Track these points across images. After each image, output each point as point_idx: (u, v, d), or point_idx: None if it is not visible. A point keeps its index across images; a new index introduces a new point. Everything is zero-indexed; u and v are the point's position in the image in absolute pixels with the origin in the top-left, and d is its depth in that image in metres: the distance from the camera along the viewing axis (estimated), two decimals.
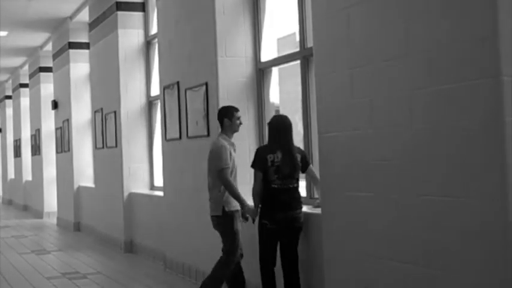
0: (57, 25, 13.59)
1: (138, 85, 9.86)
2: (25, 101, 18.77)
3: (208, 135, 6.86)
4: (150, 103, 9.86)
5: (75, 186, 13.16)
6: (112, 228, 10.39)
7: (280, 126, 5.33)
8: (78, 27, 12.97)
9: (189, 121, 7.35)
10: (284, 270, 5.37)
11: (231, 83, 6.65)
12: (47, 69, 15.95)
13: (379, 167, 4.20)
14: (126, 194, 9.79)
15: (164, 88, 8.10)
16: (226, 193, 5.70)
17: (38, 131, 16.49)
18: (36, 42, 15.58)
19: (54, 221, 15.15)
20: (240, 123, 5.84)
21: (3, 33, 14.01)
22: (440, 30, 3.68)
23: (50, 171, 15.78)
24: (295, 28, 6.07)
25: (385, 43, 4.13)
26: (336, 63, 4.62)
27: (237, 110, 5.84)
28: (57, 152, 14.63)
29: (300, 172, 5.35)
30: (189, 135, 7.38)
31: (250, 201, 5.57)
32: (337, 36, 4.60)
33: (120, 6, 9.85)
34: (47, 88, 15.92)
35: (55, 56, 14.41)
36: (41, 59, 16.29)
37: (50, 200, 15.98)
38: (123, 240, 9.88)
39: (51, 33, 14.42)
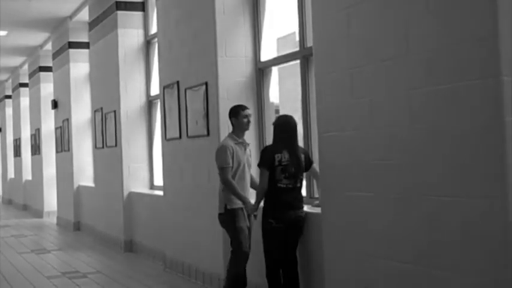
0: (57, 25, 13.58)
1: (138, 85, 9.86)
2: (25, 101, 18.77)
3: (208, 134, 6.86)
4: (150, 103, 9.86)
5: (75, 186, 13.16)
6: (112, 227, 10.40)
7: (286, 126, 5.35)
8: (78, 27, 12.96)
9: (189, 121, 7.35)
10: (283, 269, 5.38)
11: (230, 83, 6.65)
12: (47, 69, 15.94)
13: (378, 166, 4.20)
14: (126, 193, 9.79)
15: (164, 88, 8.10)
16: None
17: (38, 130, 16.48)
18: (36, 41, 15.57)
19: (54, 220, 15.14)
20: (248, 122, 5.85)
21: (3, 33, 14.00)
22: (439, 30, 3.68)
23: (49, 170, 15.78)
24: (295, 28, 6.07)
25: (385, 43, 4.13)
26: (335, 62, 4.62)
27: (244, 108, 5.88)
28: (57, 152, 14.62)
29: (304, 171, 5.38)
30: (189, 134, 7.38)
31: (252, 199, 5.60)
32: (337, 36, 4.60)
33: (120, 6, 9.85)
34: (47, 88, 15.92)
35: (55, 55, 14.41)
36: (41, 58, 16.29)
37: (50, 200, 15.98)
38: (123, 239, 9.88)
39: (51, 33, 14.42)
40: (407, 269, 3.97)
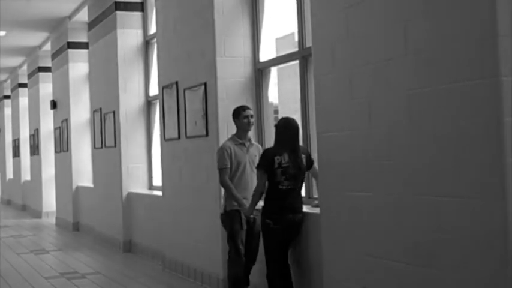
0: (56, 25, 13.58)
1: (137, 85, 9.86)
2: (24, 101, 18.75)
3: (207, 135, 6.86)
4: (149, 103, 9.86)
5: (74, 186, 13.15)
6: (111, 228, 10.39)
7: (287, 128, 5.35)
8: (77, 27, 12.95)
9: (187, 121, 7.35)
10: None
11: (229, 83, 6.65)
12: (46, 69, 15.93)
13: (377, 166, 4.20)
14: (124, 193, 9.78)
15: (163, 88, 8.10)
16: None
17: (37, 130, 16.47)
18: (35, 42, 15.56)
19: (53, 220, 15.13)
20: (249, 122, 5.88)
21: (2, 33, 13.99)
22: (439, 30, 3.68)
23: (48, 171, 15.76)
24: (294, 28, 6.07)
25: (384, 43, 4.13)
26: (334, 63, 4.62)
27: (245, 109, 5.94)
28: (55, 152, 14.62)
29: (305, 172, 5.40)
30: (187, 135, 7.37)
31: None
32: (336, 36, 4.60)
33: (119, 6, 9.85)
34: (46, 88, 15.91)
35: (54, 55, 14.40)
36: (40, 58, 16.28)
37: (49, 200, 15.96)
38: (121, 240, 9.87)
39: (50, 33, 14.41)
40: (406, 269, 3.97)
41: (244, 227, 5.78)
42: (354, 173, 4.43)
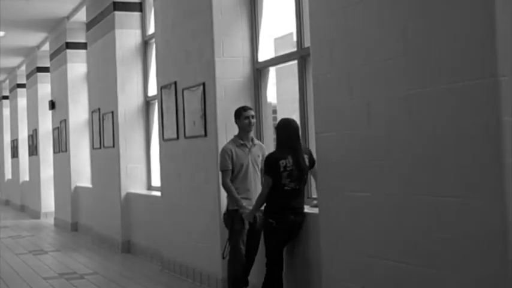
0: (55, 25, 13.57)
1: (135, 85, 9.85)
2: (22, 101, 18.73)
3: (205, 135, 6.85)
4: (147, 103, 9.85)
5: (73, 187, 13.14)
6: (109, 228, 10.38)
7: (287, 130, 5.36)
8: (76, 27, 12.95)
9: (186, 121, 7.34)
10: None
11: (228, 83, 6.65)
12: (44, 70, 15.91)
13: (376, 166, 4.20)
14: (123, 194, 9.77)
15: (161, 88, 8.09)
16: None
17: (35, 131, 16.46)
18: (33, 42, 15.55)
19: (52, 221, 15.12)
20: (250, 123, 5.90)
21: (1, 33, 13.98)
22: (437, 30, 3.68)
23: (47, 171, 15.74)
24: (293, 28, 6.07)
25: (383, 43, 4.12)
26: (333, 63, 4.62)
27: (246, 109, 5.97)
28: (54, 152, 14.60)
29: (307, 172, 5.41)
30: (186, 135, 7.37)
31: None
32: (335, 36, 4.60)
33: (117, 6, 9.84)
34: (44, 88, 15.90)
35: (52, 56, 14.39)
36: (38, 59, 16.27)
37: (47, 200, 15.93)
38: (120, 240, 9.86)
39: (48, 33, 14.40)
40: (406, 269, 3.97)
41: (246, 226, 5.80)
42: (353, 173, 4.43)
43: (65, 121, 13.36)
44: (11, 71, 19.90)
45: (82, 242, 11.42)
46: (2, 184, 23.25)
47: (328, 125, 4.69)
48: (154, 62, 8.70)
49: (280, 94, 7.29)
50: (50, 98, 14.73)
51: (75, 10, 12.32)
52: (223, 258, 6.00)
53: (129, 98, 9.80)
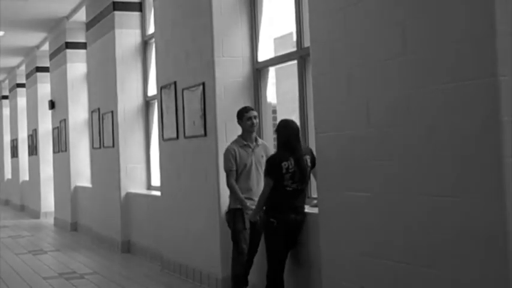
0: (54, 25, 13.57)
1: (135, 85, 9.85)
2: (22, 101, 18.73)
3: (205, 135, 6.85)
4: (147, 103, 9.85)
5: (72, 186, 13.14)
6: (109, 228, 10.38)
7: (288, 132, 5.35)
8: (75, 27, 12.95)
9: (186, 121, 7.35)
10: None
11: (228, 83, 6.65)
12: (44, 69, 15.91)
13: (376, 166, 4.20)
14: (123, 194, 9.78)
15: (161, 88, 8.10)
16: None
17: (35, 131, 16.46)
18: (33, 42, 15.54)
19: (51, 221, 15.12)
20: (252, 124, 5.90)
21: (0, 33, 13.98)
22: (437, 30, 3.68)
23: (47, 171, 15.74)
24: (292, 28, 6.07)
25: (382, 43, 4.13)
26: (332, 62, 4.62)
27: (248, 110, 5.99)
28: (54, 152, 14.60)
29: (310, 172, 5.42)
30: (186, 135, 7.37)
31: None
32: (334, 36, 4.60)
33: (117, 6, 9.84)
34: (44, 88, 15.90)
35: (52, 55, 14.39)
36: (38, 58, 16.27)
37: (47, 200, 15.93)
38: (120, 240, 9.86)
39: (48, 33, 14.40)
40: (405, 269, 3.97)
41: (247, 225, 5.81)
42: (353, 173, 4.43)
43: (64, 121, 13.36)
44: (11, 71, 19.90)
45: (82, 242, 11.42)
46: (1, 184, 23.24)
47: (328, 125, 4.69)
48: (154, 61, 8.70)
49: (280, 94, 7.29)
50: (49, 98, 14.73)
51: (75, 10, 12.32)
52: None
53: (128, 97, 9.80)
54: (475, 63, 3.44)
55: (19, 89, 19.09)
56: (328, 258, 4.76)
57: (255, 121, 5.96)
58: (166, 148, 8.05)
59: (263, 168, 5.89)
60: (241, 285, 5.92)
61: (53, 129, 14.53)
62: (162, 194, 8.26)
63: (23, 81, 18.37)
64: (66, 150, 13.31)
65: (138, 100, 9.86)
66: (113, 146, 9.96)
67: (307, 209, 5.44)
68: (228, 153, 5.96)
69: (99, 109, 10.72)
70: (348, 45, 4.46)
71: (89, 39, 11.38)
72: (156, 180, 9.39)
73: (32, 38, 15.12)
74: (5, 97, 21.70)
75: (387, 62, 4.07)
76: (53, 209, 15.24)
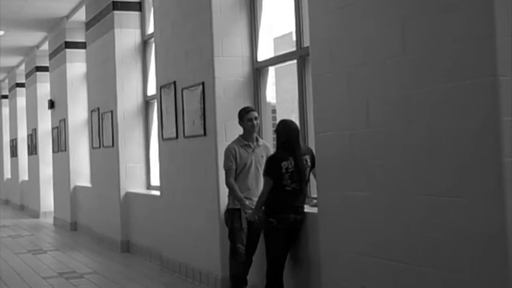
0: (54, 24, 13.57)
1: (134, 85, 9.86)
2: (21, 101, 18.73)
3: (204, 134, 6.85)
4: (146, 103, 9.86)
5: (72, 186, 13.14)
6: (109, 227, 10.38)
7: (288, 132, 5.36)
8: (75, 27, 12.95)
9: (185, 121, 7.35)
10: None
11: (227, 83, 6.65)
12: (44, 69, 15.91)
13: (375, 166, 4.20)
14: (122, 193, 9.78)
15: (161, 88, 8.10)
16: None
17: (35, 130, 16.46)
18: (32, 41, 15.55)
19: (51, 220, 15.12)
20: (253, 125, 5.91)
21: (0, 33, 13.98)
22: (437, 29, 3.69)
23: (46, 170, 15.74)
24: (292, 28, 6.07)
25: (382, 42, 4.13)
26: (332, 62, 4.62)
27: (248, 111, 5.97)
28: (53, 152, 14.60)
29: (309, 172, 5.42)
30: (185, 134, 7.37)
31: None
32: (334, 36, 4.60)
33: (116, 6, 9.84)
34: (44, 87, 15.90)
35: (51, 55, 14.39)
36: (38, 58, 16.26)
37: (47, 200, 15.94)
38: (119, 239, 9.86)
39: (47, 33, 14.40)
40: (404, 269, 3.97)
41: (244, 225, 5.81)
42: (352, 173, 4.44)
43: (64, 120, 13.36)
44: (10, 70, 19.90)
45: (81, 242, 11.42)
46: (1, 183, 23.24)
47: (327, 125, 4.70)
48: (154, 61, 8.70)
49: (279, 94, 7.31)
50: (49, 98, 14.73)
51: (75, 9, 12.32)
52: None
53: (128, 97, 9.80)
54: (475, 63, 3.44)
55: (19, 89, 19.09)
56: (327, 257, 4.76)
57: (256, 122, 5.96)
58: (165, 148, 8.05)
59: (263, 168, 5.90)
60: (240, 285, 5.92)
61: (53, 128, 14.53)
62: (161, 193, 8.27)
63: (23, 80, 18.37)
64: (65, 150, 13.31)
65: (138, 100, 9.86)
66: (113, 145, 9.96)
67: (307, 208, 5.44)
68: (228, 151, 5.96)
69: (98, 109, 10.72)
70: (348, 44, 4.46)
71: (89, 39, 11.39)
72: (155, 180, 9.40)
73: (32, 38, 15.12)
74: (5, 97, 21.70)
75: (387, 61, 4.08)
76: (52, 208, 15.24)
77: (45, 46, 15.11)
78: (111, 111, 9.97)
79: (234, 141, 6.06)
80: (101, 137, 10.61)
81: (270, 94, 6.80)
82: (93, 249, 10.35)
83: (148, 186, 9.83)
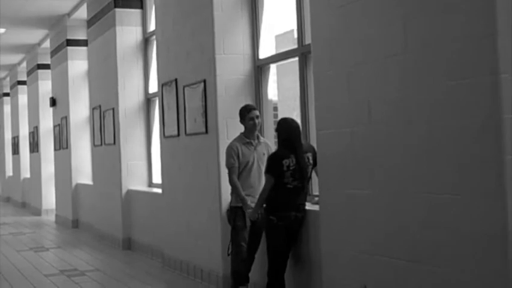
0: (55, 22, 13.57)
1: (136, 82, 9.86)
2: (23, 98, 18.74)
3: (206, 132, 6.85)
4: (148, 100, 9.86)
5: (73, 184, 13.15)
6: (110, 225, 10.39)
7: (289, 131, 5.35)
8: (76, 25, 12.95)
9: (187, 118, 7.35)
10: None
11: (229, 80, 6.65)
12: (45, 67, 15.92)
13: (376, 164, 4.20)
14: (124, 191, 9.78)
15: (162, 85, 8.09)
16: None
17: (36, 128, 16.47)
18: (34, 39, 15.55)
19: (53, 218, 15.14)
20: (255, 124, 5.90)
21: (2, 30, 13.99)
22: (438, 27, 3.68)
23: (48, 168, 15.76)
24: (293, 25, 6.07)
25: (383, 40, 4.12)
26: (333, 60, 4.62)
27: (249, 110, 5.96)
28: (55, 149, 14.61)
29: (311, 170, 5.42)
30: (187, 132, 7.37)
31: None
32: (335, 33, 4.60)
33: (118, 4, 9.84)
34: (45, 85, 15.91)
35: (53, 53, 14.39)
36: (39, 56, 16.27)
37: (48, 197, 15.96)
38: (121, 237, 9.87)
39: (49, 31, 14.40)
40: (406, 267, 3.97)
41: (248, 223, 5.82)
42: (354, 171, 4.43)
43: (65, 118, 13.37)
44: (12, 68, 19.91)
45: (83, 239, 11.44)
46: (3, 181, 23.27)
47: (329, 123, 4.69)
48: (155, 59, 8.70)
49: (281, 91, 7.31)
50: (50, 95, 14.73)
51: (76, 7, 12.32)
52: (228, 255, 6.02)
53: (129, 95, 9.81)
54: (476, 61, 3.44)
55: (20, 86, 19.10)
56: (328, 256, 4.76)
57: (258, 121, 5.95)
58: (167, 145, 8.06)
59: (264, 165, 5.90)
60: (242, 282, 5.93)
61: (54, 126, 14.54)
62: (163, 191, 8.27)
63: (24, 78, 18.39)
64: (67, 148, 13.32)
65: (139, 97, 9.86)
66: (114, 143, 9.96)
67: (309, 206, 5.44)
68: (230, 149, 5.95)
69: (100, 106, 10.72)
70: (349, 42, 4.46)
71: (90, 37, 11.39)
72: (157, 178, 9.40)
73: (33, 35, 15.13)
74: (6, 94, 21.72)
75: (388, 59, 4.07)
76: (54, 206, 15.26)
77: (47, 44, 15.12)
78: (113, 109, 9.97)
79: (235, 139, 6.05)
80: (102, 134, 10.61)
81: (272, 92, 6.80)
82: (94, 247, 10.35)
83: (150, 184, 9.83)
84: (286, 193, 5.29)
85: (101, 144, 10.72)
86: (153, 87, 9.55)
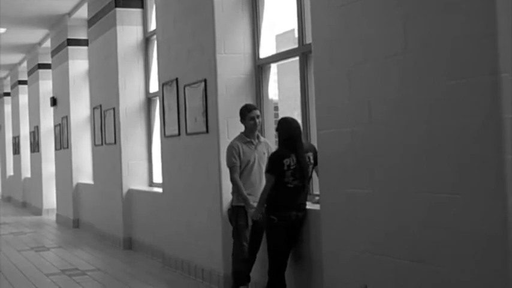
0: (56, 22, 13.57)
1: (136, 82, 9.86)
2: (24, 98, 18.75)
3: (207, 131, 6.86)
4: (149, 100, 9.86)
5: (74, 183, 13.16)
6: (111, 225, 10.40)
7: (290, 130, 5.35)
8: (77, 24, 12.95)
9: (187, 118, 7.35)
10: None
11: (229, 80, 6.65)
12: (46, 66, 15.93)
13: (377, 164, 4.20)
14: (125, 190, 9.79)
15: (163, 85, 8.10)
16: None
17: (37, 127, 16.48)
18: (34, 39, 15.55)
19: (53, 218, 15.15)
20: (255, 123, 5.91)
21: (2, 30, 13.99)
22: (438, 27, 3.68)
23: (49, 168, 15.77)
24: (294, 25, 6.06)
25: (384, 40, 4.12)
26: (334, 59, 4.62)
27: (250, 109, 5.96)
28: (56, 149, 14.62)
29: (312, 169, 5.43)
30: (188, 131, 7.37)
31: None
32: (336, 33, 4.60)
33: (118, 3, 9.84)
34: (46, 85, 15.91)
35: (54, 52, 14.40)
36: (40, 55, 16.27)
37: (49, 197, 15.97)
38: (122, 237, 9.88)
39: (49, 30, 14.40)
40: (406, 266, 3.97)
41: (250, 223, 5.83)
42: (354, 170, 4.43)
43: (66, 118, 13.37)
44: (13, 68, 19.91)
45: (84, 239, 11.44)
46: (3, 181, 23.29)
47: (329, 122, 4.69)
48: (156, 58, 8.70)
49: (281, 91, 7.33)
50: (51, 95, 14.74)
51: (77, 7, 12.33)
52: (233, 255, 6.02)
53: (130, 94, 9.81)
54: (476, 61, 3.44)
55: (21, 86, 19.11)
56: (329, 255, 4.76)
57: (258, 120, 5.96)
58: (168, 145, 8.06)
59: (265, 164, 5.90)
60: (242, 282, 5.93)
61: (55, 126, 14.55)
62: (163, 190, 8.27)
63: (25, 78, 18.40)
64: (68, 147, 13.33)
65: (140, 97, 9.86)
66: (115, 142, 9.97)
67: (310, 205, 5.44)
68: (231, 148, 5.96)
69: (101, 106, 10.73)
70: (350, 42, 4.46)
71: (91, 36, 11.39)
72: (157, 177, 9.40)
73: (34, 35, 15.13)
74: (7, 94, 21.72)
75: (388, 59, 4.07)
76: (55, 205, 15.27)
77: (47, 43, 15.12)
78: (113, 109, 9.97)
79: (236, 138, 6.06)
80: (103, 134, 10.62)
81: (272, 91, 6.80)
82: (95, 247, 10.36)
83: (151, 184, 9.84)
84: (286, 193, 5.29)
85: (102, 144, 10.73)
86: (154, 86, 9.56)
